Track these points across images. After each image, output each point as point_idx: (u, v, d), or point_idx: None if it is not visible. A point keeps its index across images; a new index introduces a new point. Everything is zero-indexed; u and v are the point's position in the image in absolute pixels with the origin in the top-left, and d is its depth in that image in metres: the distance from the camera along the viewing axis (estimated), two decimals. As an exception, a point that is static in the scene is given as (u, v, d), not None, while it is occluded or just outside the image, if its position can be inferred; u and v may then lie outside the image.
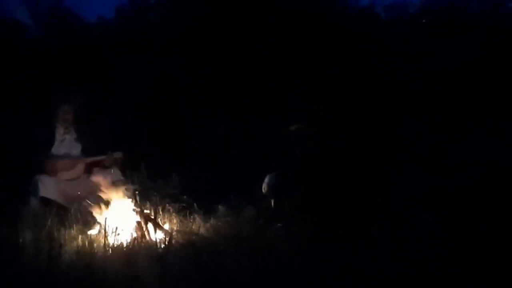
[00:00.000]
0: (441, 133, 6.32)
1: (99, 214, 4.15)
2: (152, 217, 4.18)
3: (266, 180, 4.75)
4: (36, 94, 5.10)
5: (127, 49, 7.86)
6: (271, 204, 4.71)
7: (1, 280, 3.21)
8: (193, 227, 4.26)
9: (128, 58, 7.59)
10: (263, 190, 4.78)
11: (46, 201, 4.44)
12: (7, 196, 4.38)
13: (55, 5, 10.47)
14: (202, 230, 4.20)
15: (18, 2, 10.53)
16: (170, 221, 4.33)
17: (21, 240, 3.72)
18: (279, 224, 4.18)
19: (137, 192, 4.31)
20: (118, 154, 4.82)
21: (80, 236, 3.89)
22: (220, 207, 4.51)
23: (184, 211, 4.49)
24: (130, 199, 4.26)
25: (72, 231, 3.95)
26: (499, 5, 8.90)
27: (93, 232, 4.04)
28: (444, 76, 7.22)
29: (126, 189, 4.32)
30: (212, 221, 4.36)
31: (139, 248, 3.82)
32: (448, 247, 3.71)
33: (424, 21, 9.00)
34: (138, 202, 4.27)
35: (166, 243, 3.89)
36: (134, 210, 4.21)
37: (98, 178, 4.71)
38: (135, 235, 4.00)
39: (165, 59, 7.53)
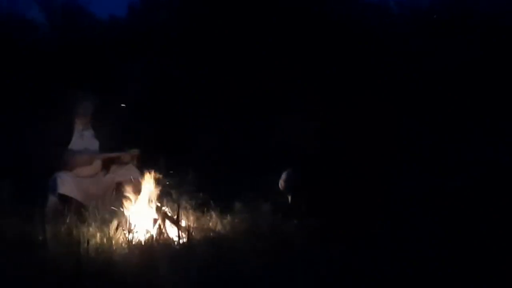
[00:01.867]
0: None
1: (117, 211, 4.20)
2: (170, 214, 4.20)
3: (283, 176, 4.75)
4: (53, 90, 5.12)
5: (141, 46, 7.89)
6: (287, 200, 4.72)
7: (20, 278, 3.26)
8: (210, 224, 4.28)
9: (142, 55, 7.62)
10: (280, 186, 4.78)
11: (64, 198, 4.46)
12: (26, 193, 4.43)
13: (67, 4, 10.54)
14: (219, 227, 4.22)
15: (31, 1, 10.59)
16: (187, 218, 4.34)
17: (40, 237, 3.78)
18: (295, 221, 4.18)
19: (154, 189, 4.31)
20: (135, 151, 4.84)
21: (98, 234, 3.92)
22: (236, 203, 4.52)
23: (201, 208, 4.51)
24: (148, 196, 4.29)
25: (91, 228, 3.96)
26: (499, 5, 8.76)
27: (112, 226, 4.06)
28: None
29: (144, 186, 4.34)
30: (228, 217, 4.36)
31: (157, 245, 3.87)
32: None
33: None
34: (156, 199, 4.28)
35: (184, 240, 3.94)
36: (151, 207, 4.25)
37: (115, 175, 4.77)
38: (153, 232, 4.03)
39: (179, 57, 7.54)
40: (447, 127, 6.44)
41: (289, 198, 4.71)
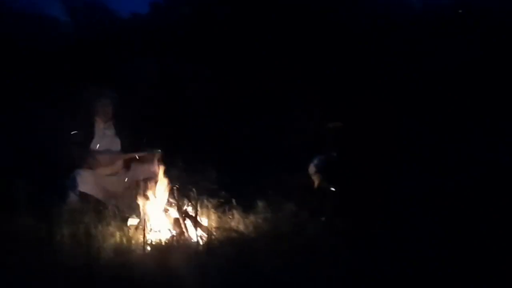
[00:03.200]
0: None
1: (137, 210, 4.13)
2: (191, 213, 4.11)
3: (314, 161, 4.65)
4: (75, 88, 5.07)
5: (161, 43, 7.83)
6: (311, 199, 4.59)
7: (38, 276, 3.21)
8: (232, 223, 4.18)
9: (163, 53, 7.56)
10: (309, 170, 4.68)
11: (84, 196, 4.41)
12: (46, 191, 4.38)
13: (89, 1, 10.58)
14: (241, 227, 4.11)
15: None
16: (209, 217, 4.24)
17: (58, 236, 3.72)
18: (322, 218, 4.07)
19: (175, 188, 4.23)
20: (157, 151, 4.76)
21: (118, 233, 3.85)
22: (259, 202, 4.41)
23: (222, 207, 4.41)
24: (169, 195, 4.21)
25: (110, 227, 3.89)
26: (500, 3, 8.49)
27: (132, 224, 3.99)
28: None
29: (165, 185, 4.27)
30: (251, 217, 4.25)
31: (177, 246, 3.78)
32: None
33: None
34: (177, 198, 4.19)
35: (205, 240, 3.85)
36: (172, 206, 4.17)
37: (137, 174, 4.70)
38: (173, 232, 3.95)
39: (199, 54, 7.46)
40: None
41: (316, 181, 4.59)
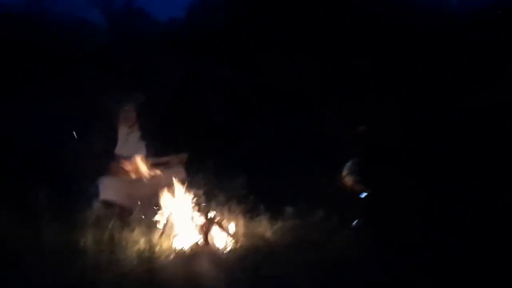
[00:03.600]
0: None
1: (163, 216, 4.03)
2: (217, 219, 3.97)
3: (348, 164, 4.51)
4: (102, 93, 5.01)
5: (198, 47, 7.75)
6: (344, 205, 4.41)
7: (61, 284, 3.12)
8: (260, 229, 4.02)
9: (199, 56, 7.47)
10: (343, 173, 4.53)
11: (108, 204, 4.31)
12: (70, 199, 4.31)
13: (127, 5, 10.64)
14: (268, 234, 3.95)
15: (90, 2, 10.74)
16: (236, 223, 4.09)
17: (82, 243, 3.63)
18: (354, 223, 3.89)
19: (201, 193, 4.11)
20: (183, 155, 4.65)
21: (143, 239, 3.74)
22: (288, 208, 4.24)
23: (250, 213, 4.26)
24: (195, 200, 4.09)
25: (135, 233, 3.78)
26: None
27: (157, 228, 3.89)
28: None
29: (190, 190, 4.15)
30: (279, 223, 4.09)
31: (203, 253, 3.65)
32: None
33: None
34: (203, 204, 4.07)
35: (232, 247, 3.72)
36: (198, 212, 4.04)
37: (162, 179, 4.58)
38: (199, 238, 3.82)
39: (234, 58, 7.35)
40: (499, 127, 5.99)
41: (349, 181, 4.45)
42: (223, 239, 3.84)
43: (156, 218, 4.06)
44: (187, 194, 4.12)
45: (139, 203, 4.31)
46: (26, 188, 4.14)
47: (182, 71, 7.08)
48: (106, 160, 4.51)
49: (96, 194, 4.31)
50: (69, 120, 5.22)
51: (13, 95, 6.08)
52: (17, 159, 5.12)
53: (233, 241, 3.79)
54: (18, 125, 5.66)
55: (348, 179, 4.40)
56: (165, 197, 4.21)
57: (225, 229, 3.91)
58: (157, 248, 3.67)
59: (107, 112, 4.65)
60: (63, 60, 6.89)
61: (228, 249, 3.73)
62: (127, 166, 4.54)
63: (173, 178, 4.41)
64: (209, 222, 3.91)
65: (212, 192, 4.33)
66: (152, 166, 4.63)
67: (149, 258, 3.51)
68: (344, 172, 4.46)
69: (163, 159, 4.62)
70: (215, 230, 3.90)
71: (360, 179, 4.33)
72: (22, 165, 4.96)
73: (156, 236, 3.81)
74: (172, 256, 3.57)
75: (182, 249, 3.68)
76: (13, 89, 6.22)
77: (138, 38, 8.29)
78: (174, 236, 3.83)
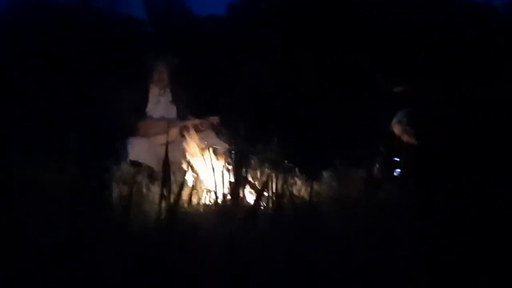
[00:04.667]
0: None
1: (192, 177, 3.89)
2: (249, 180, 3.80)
3: (398, 113, 4.34)
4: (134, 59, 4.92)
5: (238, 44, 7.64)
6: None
7: (88, 235, 2.99)
8: (295, 191, 3.81)
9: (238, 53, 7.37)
10: (392, 126, 4.39)
11: (137, 165, 4.19)
12: (99, 158, 4.20)
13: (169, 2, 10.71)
14: (303, 194, 3.75)
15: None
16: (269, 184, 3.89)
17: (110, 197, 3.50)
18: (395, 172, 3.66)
19: (233, 153, 3.94)
20: (214, 119, 4.51)
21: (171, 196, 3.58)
22: (324, 172, 4.04)
23: (285, 175, 4.05)
24: (226, 163, 3.94)
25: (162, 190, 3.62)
26: None
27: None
28: None
29: (221, 153, 4.01)
30: (315, 185, 3.87)
31: (234, 210, 3.47)
32: None
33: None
34: (234, 164, 3.90)
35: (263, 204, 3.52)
36: (229, 173, 3.87)
37: (193, 142, 4.44)
38: (230, 197, 3.64)
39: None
40: None
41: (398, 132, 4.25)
42: (255, 198, 3.65)
43: (186, 178, 3.93)
44: (218, 156, 3.99)
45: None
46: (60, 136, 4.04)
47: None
48: (137, 121, 4.40)
49: (124, 155, 4.20)
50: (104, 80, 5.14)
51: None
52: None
53: (265, 199, 3.59)
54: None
55: (397, 128, 4.22)
56: (195, 160, 4.10)
57: (256, 188, 3.74)
58: (186, 204, 3.51)
59: (140, 73, 4.56)
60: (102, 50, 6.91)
61: (261, 206, 3.52)
62: (158, 128, 4.42)
63: (204, 141, 4.30)
64: (241, 182, 3.74)
65: (244, 155, 4.15)
66: (183, 128, 4.51)
67: (177, 212, 3.36)
68: (394, 121, 4.28)
69: (194, 121, 4.48)
70: (247, 190, 3.74)
71: (409, 129, 4.13)
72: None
73: (185, 193, 3.65)
74: (202, 210, 3.41)
75: (212, 205, 3.50)
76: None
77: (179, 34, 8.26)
78: (204, 195, 3.68)
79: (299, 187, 3.88)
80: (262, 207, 3.48)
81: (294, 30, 6.89)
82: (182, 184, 3.52)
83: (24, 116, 4.94)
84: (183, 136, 4.48)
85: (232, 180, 3.74)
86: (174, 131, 4.48)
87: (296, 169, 4.11)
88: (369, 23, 6.58)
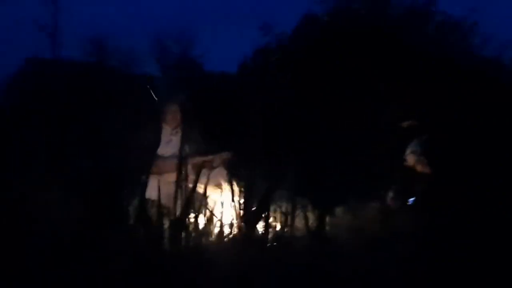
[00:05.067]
0: None
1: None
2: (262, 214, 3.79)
3: (411, 146, 4.42)
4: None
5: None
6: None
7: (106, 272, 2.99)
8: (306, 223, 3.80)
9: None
10: (407, 152, 4.45)
11: (151, 201, 4.20)
12: (112, 197, 4.22)
13: (182, 57, 11.03)
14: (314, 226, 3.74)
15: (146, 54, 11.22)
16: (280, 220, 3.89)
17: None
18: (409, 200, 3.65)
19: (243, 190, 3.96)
20: (226, 155, 4.56)
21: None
22: (337, 208, 4.04)
23: (296, 211, 4.04)
24: (237, 198, 3.94)
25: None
26: None
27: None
28: None
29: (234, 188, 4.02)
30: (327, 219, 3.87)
31: (248, 242, 3.47)
32: None
33: None
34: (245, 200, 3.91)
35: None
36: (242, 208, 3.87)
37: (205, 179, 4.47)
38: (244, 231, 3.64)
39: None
40: None
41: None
42: (268, 231, 3.64)
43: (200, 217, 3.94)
44: (230, 192, 4.00)
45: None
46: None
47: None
48: (150, 160, 4.46)
49: (140, 191, 4.23)
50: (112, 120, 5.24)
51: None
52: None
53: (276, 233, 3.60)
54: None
55: (410, 158, 4.24)
56: (208, 195, 4.12)
57: (270, 223, 3.73)
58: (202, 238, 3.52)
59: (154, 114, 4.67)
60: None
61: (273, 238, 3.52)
62: (170, 166, 4.47)
63: (216, 177, 4.34)
64: (254, 217, 3.74)
65: (256, 190, 4.15)
66: (195, 165, 4.55)
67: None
68: (408, 151, 4.31)
69: (205, 158, 4.53)
70: (260, 223, 3.73)
71: (422, 159, 4.15)
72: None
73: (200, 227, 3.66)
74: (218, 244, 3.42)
75: (227, 237, 3.51)
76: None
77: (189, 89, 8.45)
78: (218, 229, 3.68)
79: (312, 220, 3.86)
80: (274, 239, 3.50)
81: (303, 75, 7.03)
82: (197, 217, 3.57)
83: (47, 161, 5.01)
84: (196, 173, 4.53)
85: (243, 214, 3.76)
86: (185, 168, 4.52)
87: (309, 202, 4.11)
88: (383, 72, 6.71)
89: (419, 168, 4.22)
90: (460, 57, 7.75)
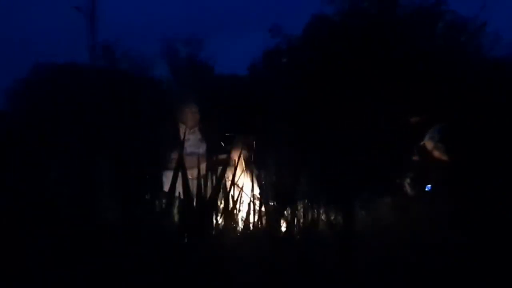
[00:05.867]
0: None
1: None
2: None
3: (429, 132, 4.50)
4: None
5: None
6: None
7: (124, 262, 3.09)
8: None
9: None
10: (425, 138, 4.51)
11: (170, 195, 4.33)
12: (134, 190, 4.34)
13: (191, 59, 11.14)
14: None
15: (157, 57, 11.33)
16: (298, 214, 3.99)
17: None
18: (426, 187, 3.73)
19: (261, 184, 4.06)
20: (244, 152, 4.66)
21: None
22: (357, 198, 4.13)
23: (311, 207, 4.14)
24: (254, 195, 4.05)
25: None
26: None
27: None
28: None
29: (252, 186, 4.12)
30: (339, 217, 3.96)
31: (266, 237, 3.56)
32: None
33: None
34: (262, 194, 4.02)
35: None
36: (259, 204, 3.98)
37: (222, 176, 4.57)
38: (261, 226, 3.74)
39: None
40: None
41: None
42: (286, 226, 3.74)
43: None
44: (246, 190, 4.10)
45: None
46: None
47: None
48: (169, 156, 4.58)
49: (159, 187, 4.36)
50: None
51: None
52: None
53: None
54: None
55: (429, 144, 4.32)
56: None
57: (284, 217, 3.83)
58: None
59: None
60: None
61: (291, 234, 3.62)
62: (188, 163, 4.58)
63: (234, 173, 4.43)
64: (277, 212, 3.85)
65: (273, 186, 4.25)
66: (212, 163, 4.66)
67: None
68: (426, 137, 4.39)
69: (222, 156, 4.64)
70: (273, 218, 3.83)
71: (440, 145, 4.23)
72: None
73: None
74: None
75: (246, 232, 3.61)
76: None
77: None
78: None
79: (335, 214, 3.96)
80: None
81: (315, 73, 7.10)
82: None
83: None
84: (214, 171, 4.64)
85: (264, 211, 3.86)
86: (203, 167, 4.63)
87: (330, 197, 4.20)
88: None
89: (436, 154, 4.29)
90: (469, 56, 7.80)
